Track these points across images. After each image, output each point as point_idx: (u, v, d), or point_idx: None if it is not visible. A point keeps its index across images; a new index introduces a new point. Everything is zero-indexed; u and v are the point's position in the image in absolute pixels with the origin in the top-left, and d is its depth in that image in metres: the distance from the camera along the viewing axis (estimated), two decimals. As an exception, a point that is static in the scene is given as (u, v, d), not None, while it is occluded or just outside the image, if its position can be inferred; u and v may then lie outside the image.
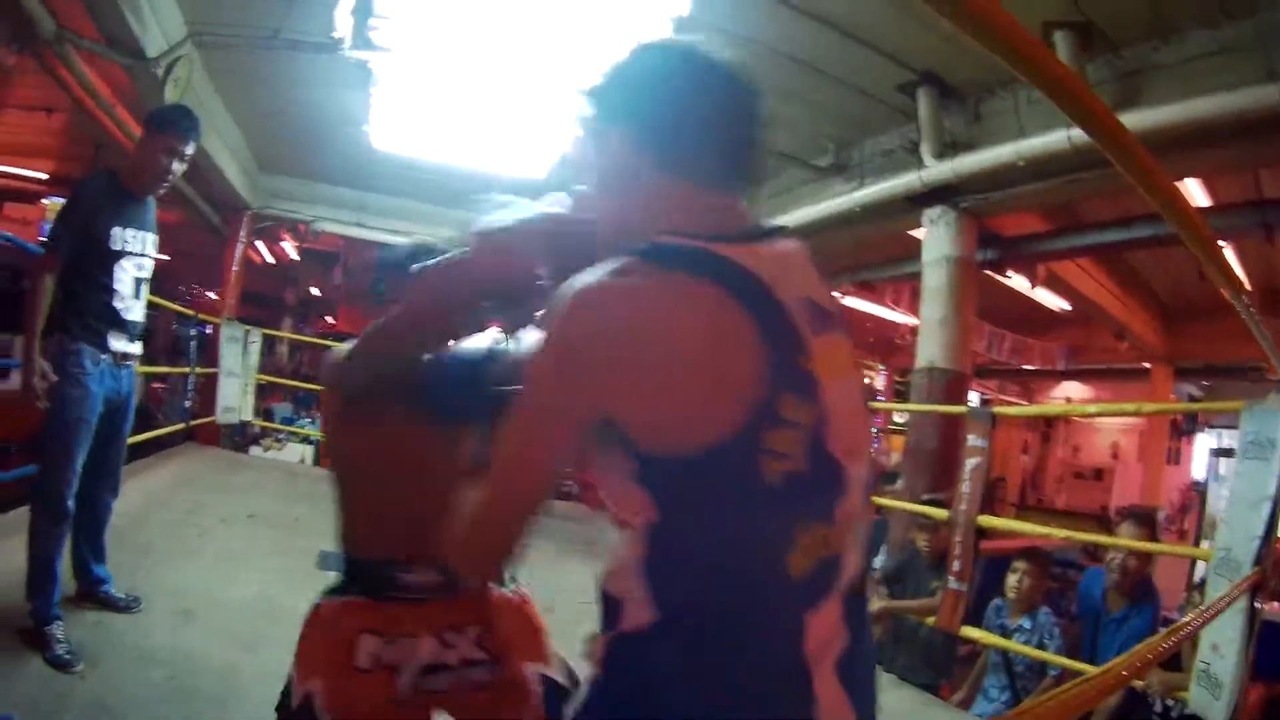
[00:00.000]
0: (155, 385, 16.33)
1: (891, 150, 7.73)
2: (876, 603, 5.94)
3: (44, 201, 15.03)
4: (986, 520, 5.43)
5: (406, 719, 2.22)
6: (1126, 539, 5.06)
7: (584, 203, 1.66)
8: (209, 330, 11.94)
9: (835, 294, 1.10)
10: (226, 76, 9.39)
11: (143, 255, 4.31)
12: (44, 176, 15.56)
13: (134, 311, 4.28)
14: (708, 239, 1.27)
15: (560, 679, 2.32)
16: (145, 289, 4.38)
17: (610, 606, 1.28)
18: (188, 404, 10.65)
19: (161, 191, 4.41)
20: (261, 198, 13.31)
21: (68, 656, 3.68)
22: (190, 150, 4.31)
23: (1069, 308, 13.00)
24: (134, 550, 5.56)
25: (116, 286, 4.16)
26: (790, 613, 1.24)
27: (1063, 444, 19.52)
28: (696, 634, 1.21)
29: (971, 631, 5.36)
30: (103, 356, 4.11)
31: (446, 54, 7.41)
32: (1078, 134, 5.47)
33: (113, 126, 9.65)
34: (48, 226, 4.89)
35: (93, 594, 4.44)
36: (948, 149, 6.86)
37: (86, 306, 4.08)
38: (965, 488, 5.35)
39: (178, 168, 4.30)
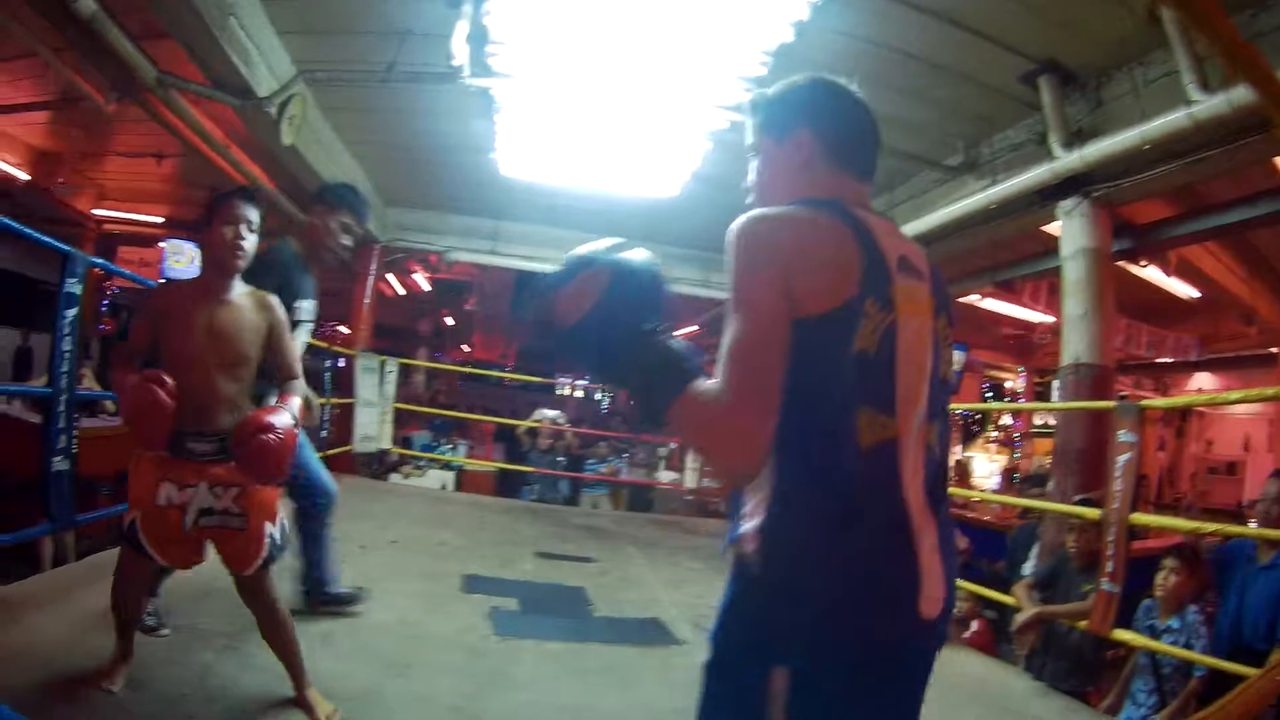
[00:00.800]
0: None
1: (1019, 144, 7.53)
2: (1030, 609, 5.70)
3: (161, 245, 15.49)
4: (1139, 518, 5.16)
5: (188, 540, 3.40)
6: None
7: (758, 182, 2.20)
8: (341, 363, 12.08)
9: (924, 255, 1.21)
10: (342, 113, 9.54)
11: (310, 322, 4.69)
12: (159, 220, 16.01)
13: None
14: (845, 202, 1.91)
15: (279, 537, 3.57)
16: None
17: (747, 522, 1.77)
18: (324, 434, 10.78)
19: (330, 264, 4.79)
20: (389, 231, 13.48)
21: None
22: (358, 227, 4.78)
23: (1198, 295, 12.64)
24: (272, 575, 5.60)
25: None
26: (876, 470, 1.75)
27: (1196, 438, 18.73)
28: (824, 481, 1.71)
29: (1122, 634, 5.10)
30: None
31: (568, 76, 7.43)
32: (1198, 110, 5.48)
33: (228, 167, 9.82)
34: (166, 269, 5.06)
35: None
36: (1074, 138, 6.67)
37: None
38: (1117, 485, 5.11)
39: (349, 243, 4.73)
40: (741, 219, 1.82)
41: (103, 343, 18.38)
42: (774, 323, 1.69)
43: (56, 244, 4.48)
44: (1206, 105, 5.44)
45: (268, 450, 3.27)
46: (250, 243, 3.50)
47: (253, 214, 3.50)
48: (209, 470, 3.36)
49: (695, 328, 19.22)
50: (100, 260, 6.85)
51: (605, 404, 32.47)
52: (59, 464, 4.42)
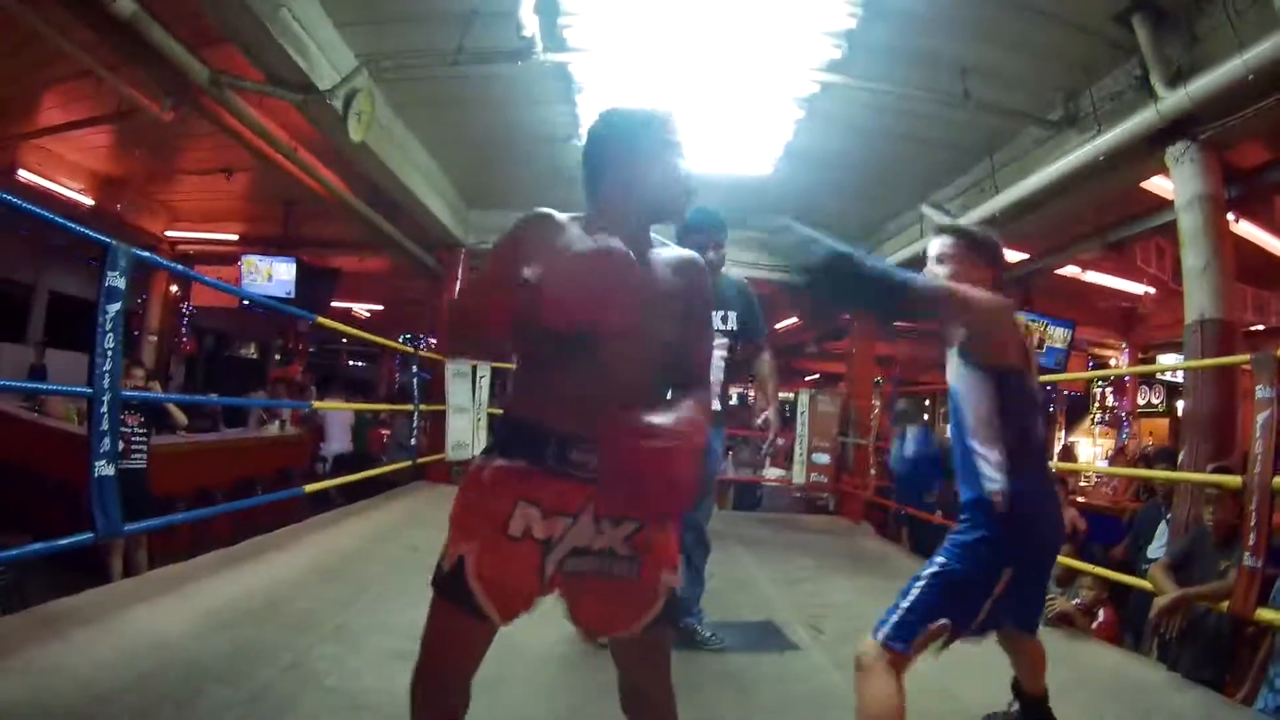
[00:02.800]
0: (381, 432, 16.57)
1: (1119, 92, 7.13)
2: (1172, 591, 5.14)
3: (239, 263, 15.45)
4: (1283, 483, 4.66)
5: (543, 593, 2.40)
6: None
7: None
8: (429, 376, 11.91)
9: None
10: (414, 108, 9.38)
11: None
12: (234, 238, 16.06)
13: None
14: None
15: (680, 593, 2.48)
16: (717, 355, 4.88)
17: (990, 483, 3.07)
18: (413, 442, 10.62)
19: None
20: (475, 233, 13.35)
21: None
22: (723, 243, 5.07)
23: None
24: (349, 587, 5.38)
25: None
26: (1042, 454, 3.43)
27: None
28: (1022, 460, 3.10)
29: (1267, 614, 4.59)
30: None
31: (646, 46, 7.22)
32: None
33: (299, 172, 9.73)
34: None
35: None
36: (1176, 77, 6.29)
37: None
38: (1257, 447, 4.63)
39: (709, 256, 4.86)
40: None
41: (186, 363, 18.59)
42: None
43: (96, 235, 4.28)
44: None
45: (678, 465, 2.09)
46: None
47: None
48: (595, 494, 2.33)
49: (794, 320, 18.86)
50: (178, 266, 6.74)
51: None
52: (102, 468, 4.16)
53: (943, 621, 2.97)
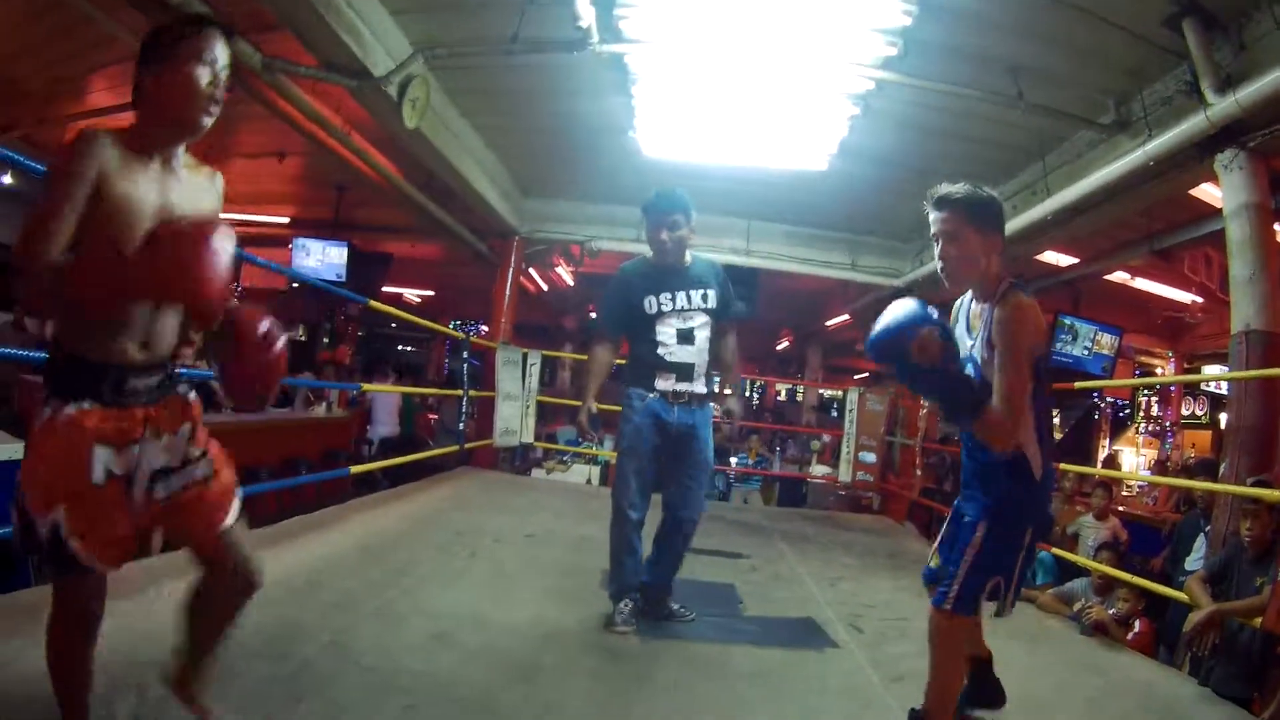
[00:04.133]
0: (429, 416, 16.65)
1: (1169, 97, 7.09)
2: (1207, 606, 5.15)
3: (290, 245, 15.63)
4: (1324, 496, 4.62)
5: (140, 527, 2.43)
6: None
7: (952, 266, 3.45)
8: (478, 363, 11.96)
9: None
10: (469, 96, 9.42)
11: (686, 310, 5.13)
12: (285, 221, 16.20)
13: (680, 356, 5.09)
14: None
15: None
16: (697, 336, 5.15)
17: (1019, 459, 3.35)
18: (461, 427, 10.69)
19: (678, 260, 5.21)
20: (529, 222, 13.42)
21: (619, 624, 4.85)
22: (684, 223, 5.13)
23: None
24: (392, 569, 5.43)
25: (659, 339, 5.06)
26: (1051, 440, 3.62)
27: None
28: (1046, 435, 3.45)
29: (1299, 632, 4.51)
30: (650, 395, 5.05)
31: (703, 38, 7.24)
32: None
33: (352, 157, 9.79)
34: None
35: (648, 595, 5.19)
36: (1225, 84, 6.22)
37: (635, 359, 5.15)
38: (1298, 461, 4.62)
39: (678, 235, 5.11)
40: (1015, 301, 3.28)
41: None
42: (1027, 379, 3.23)
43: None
44: None
45: (272, 352, 2.57)
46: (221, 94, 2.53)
47: (224, 56, 2.54)
48: (152, 413, 2.48)
49: (846, 317, 18.77)
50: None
51: (754, 399, 32.31)
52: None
53: (996, 580, 3.34)
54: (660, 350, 5.05)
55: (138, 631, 3.43)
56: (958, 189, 3.42)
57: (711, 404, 5.30)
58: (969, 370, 3.43)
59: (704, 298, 5.16)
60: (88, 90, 10.81)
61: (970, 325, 3.53)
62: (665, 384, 5.05)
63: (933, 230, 3.45)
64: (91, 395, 2.34)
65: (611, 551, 5.08)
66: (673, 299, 5.09)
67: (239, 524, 2.67)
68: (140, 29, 7.34)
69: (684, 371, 5.08)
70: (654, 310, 5.06)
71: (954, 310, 3.71)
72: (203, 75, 2.44)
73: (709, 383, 5.28)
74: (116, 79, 10.20)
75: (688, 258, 5.23)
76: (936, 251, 3.45)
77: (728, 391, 5.62)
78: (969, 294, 3.63)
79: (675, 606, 5.21)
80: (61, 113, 11.22)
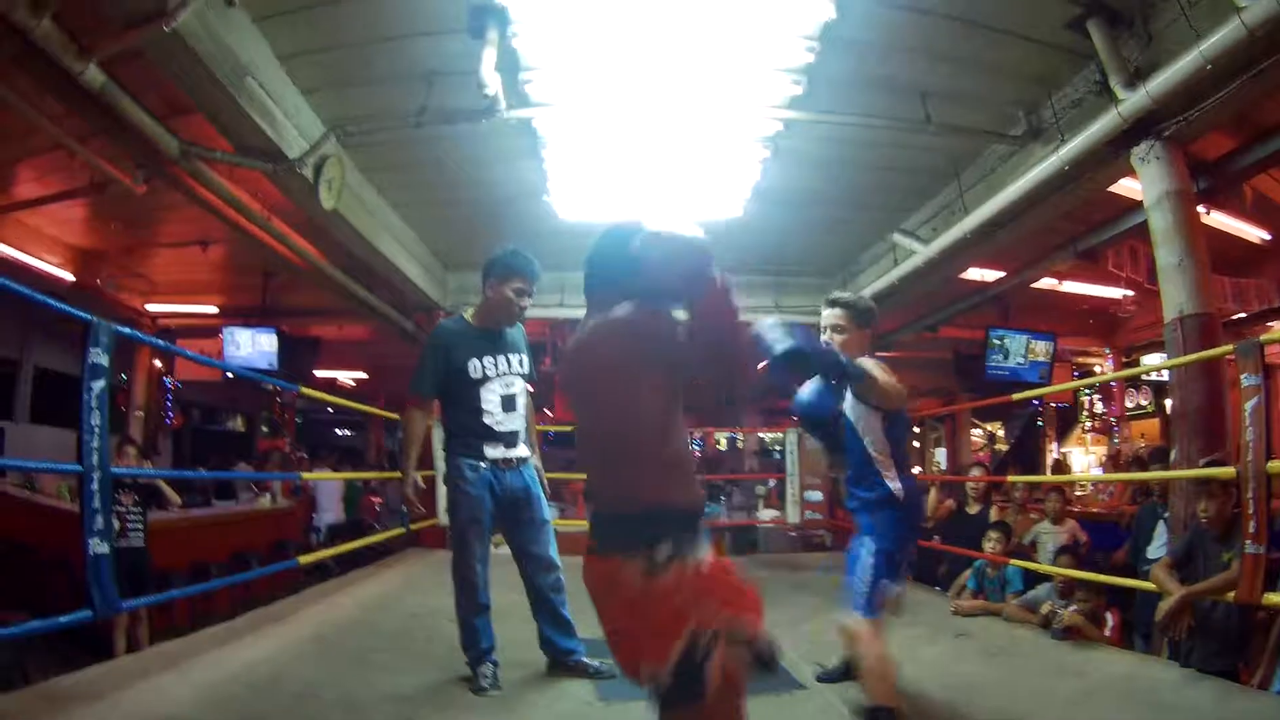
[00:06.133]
0: (372, 499, 16.52)
1: (1079, 99, 7.22)
2: (1176, 591, 5.23)
3: (220, 334, 15.44)
4: (1278, 467, 4.65)
5: None
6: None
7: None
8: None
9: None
10: (383, 173, 9.47)
11: (507, 375, 5.19)
12: (214, 310, 16.03)
13: (507, 424, 5.16)
14: None
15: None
16: (518, 402, 5.27)
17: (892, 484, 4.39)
18: (405, 509, 10.58)
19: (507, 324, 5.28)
20: (453, 295, 13.38)
21: (485, 686, 4.84)
22: (529, 289, 5.19)
23: (1269, 237, 11.95)
24: (351, 657, 5.33)
25: (484, 406, 5.07)
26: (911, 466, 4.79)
27: None
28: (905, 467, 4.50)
29: (1273, 597, 4.60)
30: (481, 465, 5.05)
31: (608, 96, 7.31)
32: (1250, 15, 5.30)
33: (273, 242, 9.76)
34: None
35: (565, 664, 5.21)
36: (1134, 77, 6.37)
37: (460, 427, 5.14)
38: (1249, 435, 4.66)
39: (526, 303, 5.19)
40: (877, 363, 4.27)
41: (174, 437, 18.47)
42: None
43: (76, 311, 4.28)
44: (1256, 7, 5.23)
45: None
46: None
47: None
48: None
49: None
50: (160, 340, 6.73)
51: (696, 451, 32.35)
52: (97, 546, 4.12)
53: (895, 587, 4.30)
54: (486, 419, 5.09)
55: None
56: (849, 294, 4.73)
57: (530, 462, 5.37)
58: (846, 424, 4.52)
59: (521, 363, 5.30)
60: (14, 181, 10.65)
61: None
62: (495, 452, 5.11)
63: (823, 323, 4.60)
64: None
65: (462, 619, 5.09)
66: (494, 364, 5.15)
67: None
68: (59, 116, 7.28)
69: (510, 440, 5.18)
70: (479, 375, 5.09)
71: None
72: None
73: (529, 444, 5.42)
74: (42, 169, 10.09)
75: None
76: (823, 338, 4.53)
77: (535, 459, 5.58)
78: None
79: (596, 663, 5.16)
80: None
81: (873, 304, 4.72)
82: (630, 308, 2.63)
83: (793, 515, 12.60)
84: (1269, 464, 4.56)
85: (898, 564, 4.32)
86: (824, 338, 4.51)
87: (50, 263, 12.59)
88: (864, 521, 4.46)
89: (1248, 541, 4.62)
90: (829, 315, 4.58)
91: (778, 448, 23.82)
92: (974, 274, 12.68)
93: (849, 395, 4.39)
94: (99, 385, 4.25)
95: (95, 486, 4.16)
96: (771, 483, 16.28)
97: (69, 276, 12.95)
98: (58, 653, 5.83)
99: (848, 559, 4.45)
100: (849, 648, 4.38)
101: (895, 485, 4.37)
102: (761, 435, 26.24)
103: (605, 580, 2.49)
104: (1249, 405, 4.66)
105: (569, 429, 22.64)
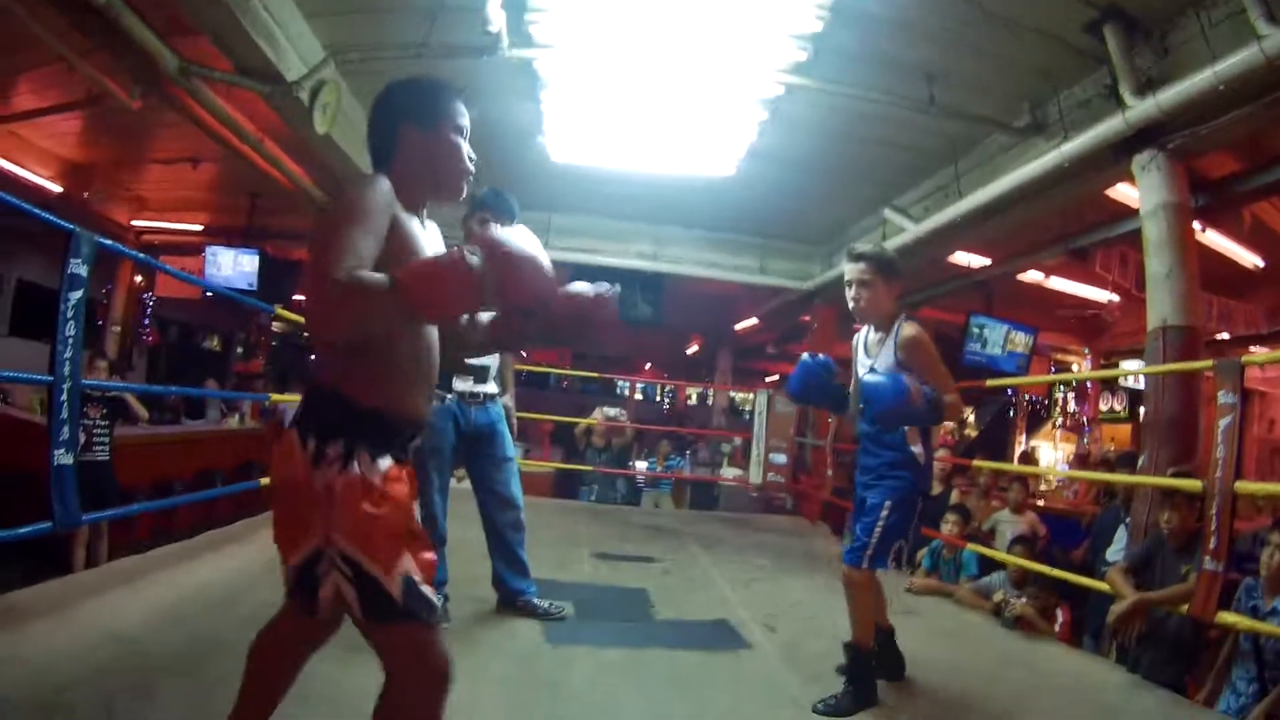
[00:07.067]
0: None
1: (1086, 100, 7.20)
2: (1130, 596, 5.26)
3: (204, 253, 15.44)
4: (1245, 487, 4.68)
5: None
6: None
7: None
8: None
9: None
10: (379, 100, 9.22)
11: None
12: (199, 228, 16.00)
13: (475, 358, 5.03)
14: None
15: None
16: None
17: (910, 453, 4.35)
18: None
19: None
20: (440, 227, 13.12)
21: None
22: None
23: (1262, 264, 11.93)
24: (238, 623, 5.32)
25: None
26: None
27: (1259, 419, 17.83)
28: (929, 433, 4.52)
29: (1227, 617, 4.61)
30: (448, 396, 5.03)
31: (612, 43, 7.21)
32: (1270, 44, 5.23)
33: (265, 164, 9.66)
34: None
35: (515, 604, 5.24)
36: (1145, 87, 6.32)
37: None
38: (1219, 452, 4.67)
39: None
40: (914, 330, 4.29)
41: (150, 354, 18.34)
42: (948, 372, 4.33)
43: (59, 221, 4.21)
44: (1276, 38, 5.18)
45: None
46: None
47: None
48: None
49: (755, 320, 18.84)
50: (141, 255, 6.68)
51: (665, 404, 32.48)
52: (61, 457, 4.09)
53: (900, 543, 4.33)
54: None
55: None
56: (871, 246, 4.55)
57: (500, 400, 5.39)
58: (876, 378, 4.20)
59: None
60: (10, 93, 10.61)
61: (869, 349, 4.49)
62: (463, 385, 5.13)
63: (847, 277, 4.45)
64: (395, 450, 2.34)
65: None
66: None
67: None
68: (62, 31, 7.18)
69: (480, 374, 5.20)
70: None
71: (854, 339, 4.70)
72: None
73: (499, 381, 5.41)
74: (39, 82, 10.06)
75: None
76: (849, 294, 4.44)
77: (507, 398, 5.63)
78: (867, 326, 4.58)
79: (545, 604, 5.25)
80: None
81: (896, 255, 4.61)
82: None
83: (755, 476, 12.77)
84: (1236, 483, 4.58)
85: (910, 521, 4.36)
86: (850, 294, 4.43)
87: (40, 175, 12.56)
88: (878, 482, 4.40)
89: (1206, 557, 4.65)
90: (854, 269, 4.39)
91: (748, 408, 23.92)
92: (961, 258, 12.69)
93: (882, 361, 4.35)
94: (76, 296, 4.20)
95: (64, 398, 4.13)
96: (738, 440, 16.48)
97: (56, 188, 12.92)
98: (22, 569, 5.78)
99: (851, 525, 4.62)
100: (848, 596, 4.39)
101: (917, 449, 4.36)
102: (732, 394, 26.29)
103: (278, 451, 2.31)
104: (1223, 423, 4.67)
105: (542, 370, 22.97)
